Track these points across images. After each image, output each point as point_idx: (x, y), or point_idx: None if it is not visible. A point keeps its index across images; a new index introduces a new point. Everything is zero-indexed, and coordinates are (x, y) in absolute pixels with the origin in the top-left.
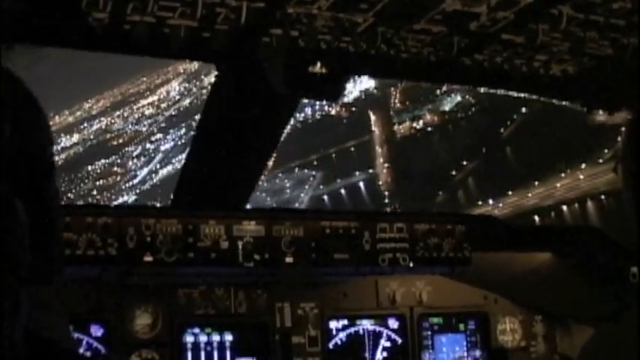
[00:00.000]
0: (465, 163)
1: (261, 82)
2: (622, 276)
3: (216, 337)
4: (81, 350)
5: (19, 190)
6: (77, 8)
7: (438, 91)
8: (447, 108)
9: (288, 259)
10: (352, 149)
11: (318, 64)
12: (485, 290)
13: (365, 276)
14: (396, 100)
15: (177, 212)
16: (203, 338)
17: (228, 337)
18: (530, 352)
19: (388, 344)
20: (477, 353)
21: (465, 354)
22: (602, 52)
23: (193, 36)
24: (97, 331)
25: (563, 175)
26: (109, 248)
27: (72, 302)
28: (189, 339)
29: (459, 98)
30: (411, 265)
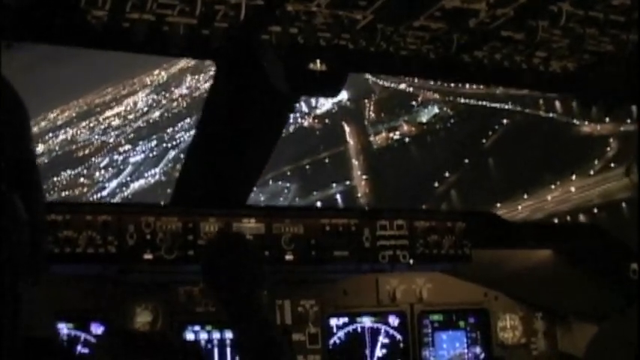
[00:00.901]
0: (447, 174)
1: (261, 80)
2: (622, 272)
3: (216, 335)
4: (81, 349)
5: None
6: (76, 6)
7: (414, 103)
8: (424, 119)
9: (288, 257)
10: (327, 160)
11: (318, 62)
12: (485, 287)
13: (365, 273)
14: (371, 112)
15: (177, 210)
16: (203, 336)
17: (229, 335)
18: (530, 349)
19: (388, 341)
20: (478, 350)
21: (466, 351)
22: (602, 48)
23: (192, 33)
24: (97, 328)
25: (553, 187)
26: (109, 246)
27: (72, 300)
28: (189, 336)
29: (436, 110)
30: (411, 262)
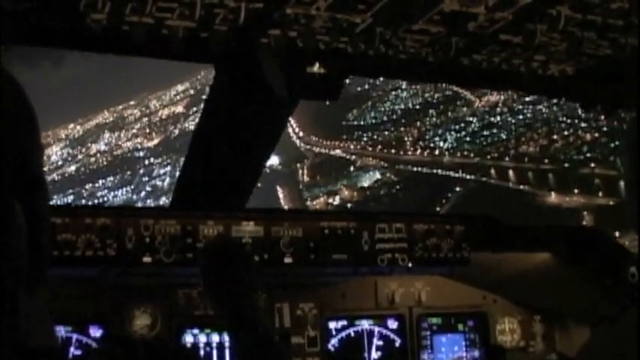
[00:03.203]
0: None
1: (260, 83)
2: (621, 276)
3: (215, 338)
4: (79, 352)
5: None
6: (76, 9)
7: (352, 167)
8: (365, 184)
9: (287, 260)
10: None
11: (317, 65)
12: (484, 290)
13: (364, 276)
14: (305, 176)
15: (176, 213)
16: (202, 339)
17: (228, 338)
18: (529, 352)
19: (387, 344)
20: (476, 353)
21: (464, 354)
22: (601, 52)
23: (192, 37)
24: (96, 331)
25: None
26: (108, 249)
27: (71, 303)
28: (188, 339)
29: (378, 175)
30: (410, 265)
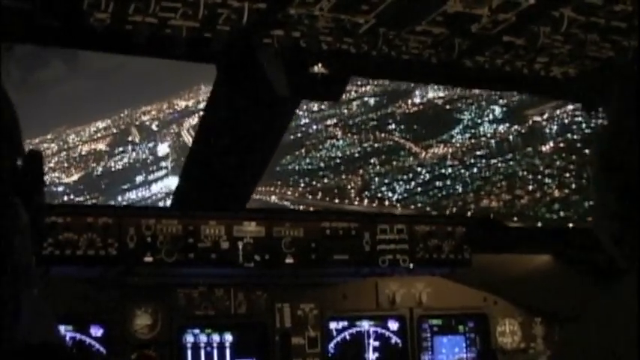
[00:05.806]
0: None
1: (262, 83)
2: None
3: (216, 338)
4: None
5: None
6: (79, 8)
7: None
8: None
9: (289, 260)
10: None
11: (319, 65)
12: (484, 292)
13: (365, 277)
14: None
15: (177, 213)
16: (203, 339)
17: (228, 338)
18: (529, 354)
19: (387, 345)
20: (477, 355)
21: (465, 355)
22: (603, 54)
23: (195, 37)
24: (96, 331)
25: None
26: (110, 248)
27: (72, 302)
28: (189, 339)
29: None
30: (411, 266)
